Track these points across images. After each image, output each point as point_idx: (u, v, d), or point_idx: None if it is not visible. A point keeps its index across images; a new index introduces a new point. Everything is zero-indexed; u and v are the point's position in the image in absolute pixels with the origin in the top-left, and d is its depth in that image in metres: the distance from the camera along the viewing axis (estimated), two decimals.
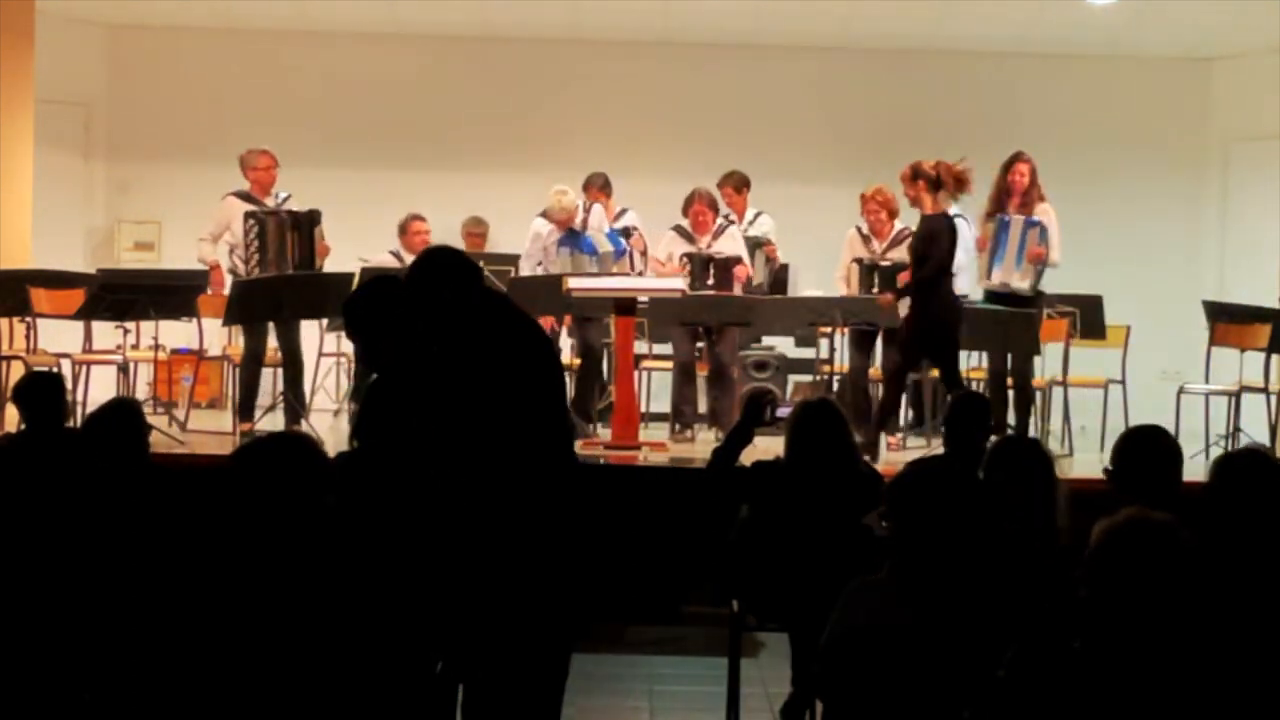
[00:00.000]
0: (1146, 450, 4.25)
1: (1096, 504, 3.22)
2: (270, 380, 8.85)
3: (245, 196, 8.88)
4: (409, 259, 9.30)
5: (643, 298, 8.58)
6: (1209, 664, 2.77)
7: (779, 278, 10.37)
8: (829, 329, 8.82)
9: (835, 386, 8.94)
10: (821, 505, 5.03)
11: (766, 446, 5.87)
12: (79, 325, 9.02)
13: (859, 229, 9.21)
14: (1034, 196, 8.70)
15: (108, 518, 4.10)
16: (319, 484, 3.20)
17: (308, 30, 11.50)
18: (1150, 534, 2.81)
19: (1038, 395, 8.83)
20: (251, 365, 8.52)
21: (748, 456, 5.36)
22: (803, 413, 5.23)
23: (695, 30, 11.28)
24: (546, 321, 8.47)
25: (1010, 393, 8.52)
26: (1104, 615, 2.78)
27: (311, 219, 8.79)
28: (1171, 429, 8.14)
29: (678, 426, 8.95)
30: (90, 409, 8.40)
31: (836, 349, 8.90)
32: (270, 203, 8.89)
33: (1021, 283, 8.56)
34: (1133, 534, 2.81)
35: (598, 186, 9.89)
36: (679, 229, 9.30)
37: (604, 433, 8.62)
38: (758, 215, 9.99)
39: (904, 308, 8.17)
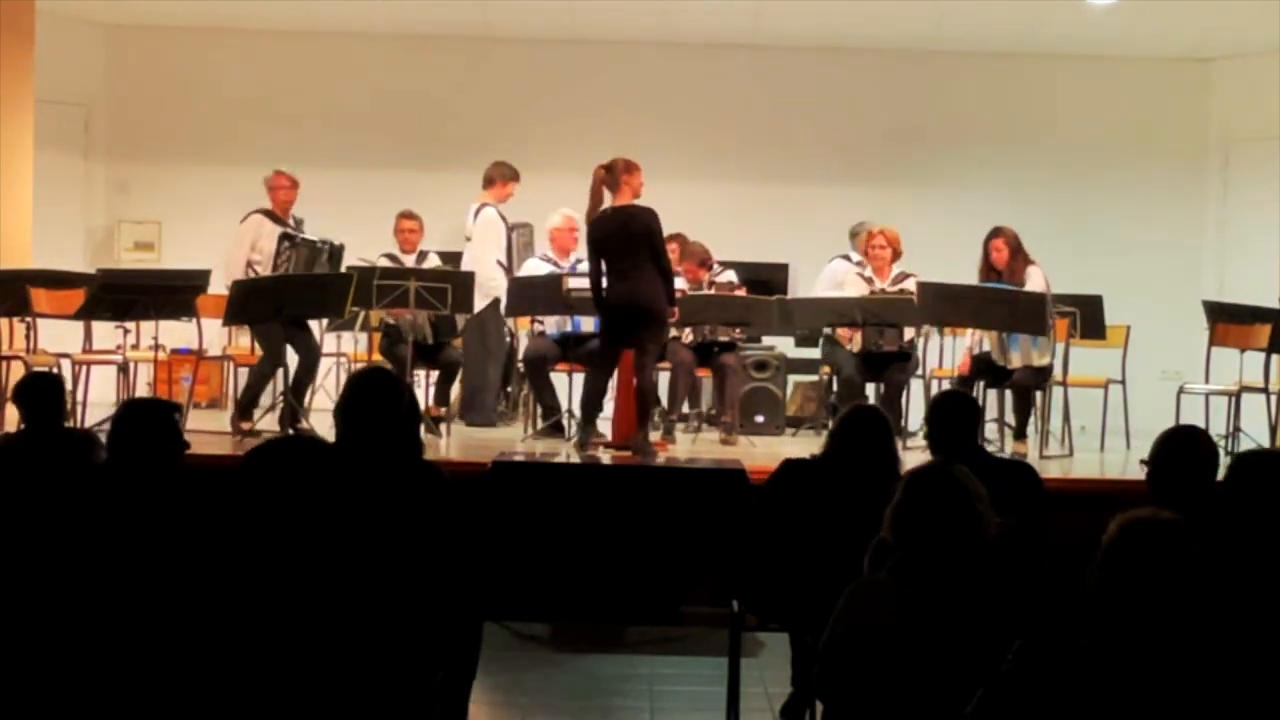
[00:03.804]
0: (1183, 452, 4.26)
1: (1097, 503, 3.22)
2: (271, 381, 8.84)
3: (271, 216, 8.96)
4: (404, 259, 9.34)
5: None
6: (1217, 663, 2.77)
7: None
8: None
9: (835, 387, 8.94)
10: (857, 509, 4.97)
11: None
12: (79, 325, 9.02)
13: (860, 274, 9.17)
14: (1020, 266, 8.61)
15: (127, 519, 4.07)
16: (328, 487, 3.19)
17: (308, 30, 11.50)
18: (1160, 534, 2.82)
19: (1038, 396, 8.81)
20: (269, 368, 8.49)
21: (771, 456, 5.31)
22: (852, 417, 5.18)
23: (695, 30, 11.27)
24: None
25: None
26: (1112, 612, 2.79)
27: (337, 253, 8.91)
28: None
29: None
30: (89, 409, 8.49)
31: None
32: (289, 224, 9.00)
33: (1042, 359, 8.53)
34: (1144, 533, 2.82)
35: (500, 179, 9.80)
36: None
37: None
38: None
39: None
